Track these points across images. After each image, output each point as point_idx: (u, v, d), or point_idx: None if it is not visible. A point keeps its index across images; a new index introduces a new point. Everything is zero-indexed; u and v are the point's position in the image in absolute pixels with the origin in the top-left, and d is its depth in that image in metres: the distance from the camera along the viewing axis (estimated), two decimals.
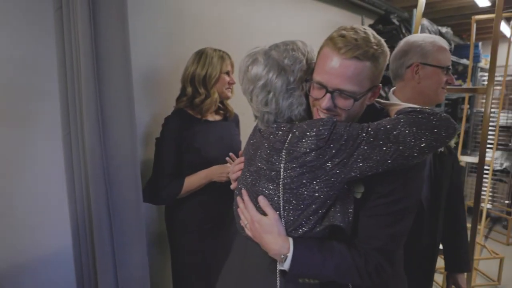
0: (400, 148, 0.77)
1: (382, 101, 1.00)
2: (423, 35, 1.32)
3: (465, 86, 4.26)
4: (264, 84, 0.90)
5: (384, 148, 0.78)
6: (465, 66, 4.24)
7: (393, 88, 1.36)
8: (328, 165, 0.81)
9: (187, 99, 1.57)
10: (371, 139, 0.79)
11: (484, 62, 4.74)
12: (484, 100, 4.66)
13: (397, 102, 0.99)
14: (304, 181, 0.84)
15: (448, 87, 1.32)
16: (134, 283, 1.40)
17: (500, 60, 3.94)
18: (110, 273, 1.36)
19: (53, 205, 1.46)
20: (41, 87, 1.40)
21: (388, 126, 0.79)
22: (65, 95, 1.42)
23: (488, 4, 3.55)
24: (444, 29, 3.59)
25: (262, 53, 0.93)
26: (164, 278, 1.93)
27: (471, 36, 3.69)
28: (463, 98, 4.28)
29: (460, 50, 4.29)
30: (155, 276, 1.85)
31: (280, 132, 0.90)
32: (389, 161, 0.78)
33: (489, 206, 4.06)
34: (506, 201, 4.14)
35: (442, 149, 1.34)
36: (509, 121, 4.28)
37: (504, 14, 3.64)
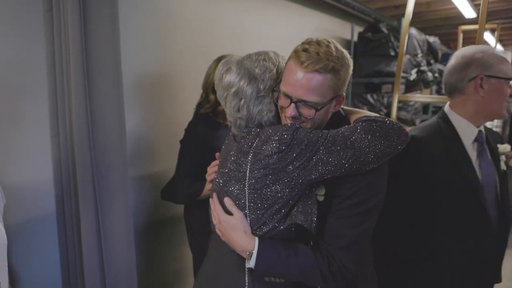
0: (356, 153, 0.83)
1: (346, 108, 1.04)
2: (480, 46, 1.25)
3: None
4: (236, 91, 0.96)
5: (342, 153, 0.84)
6: None
7: (448, 103, 1.30)
8: (290, 168, 0.86)
9: (210, 106, 1.58)
10: (329, 145, 0.84)
11: None
12: None
13: (359, 110, 1.01)
14: (267, 182, 0.89)
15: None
16: (122, 284, 1.40)
17: None
18: (97, 273, 1.36)
19: (40, 206, 1.45)
20: (30, 88, 1.39)
21: (346, 133, 0.85)
22: (54, 96, 1.42)
23: (474, 15, 3.65)
24: (432, 38, 3.67)
25: (235, 63, 0.98)
26: (153, 279, 1.92)
27: (457, 46, 3.79)
28: None
29: (447, 59, 4.38)
30: (144, 277, 1.84)
31: (250, 136, 0.96)
32: (346, 166, 0.84)
33: None
34: None
35: (505, 168, 1.31)
36: (494, 129, 4.37)
37: (489, 25, 3.75)
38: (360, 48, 3.31)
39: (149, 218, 1.87)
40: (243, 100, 0.96)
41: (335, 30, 3.24)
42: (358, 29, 3.40)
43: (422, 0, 3.45)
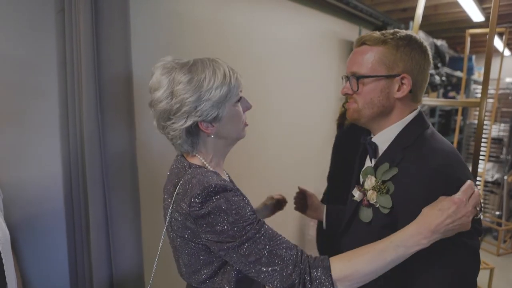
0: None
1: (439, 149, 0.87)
2: None
3: (458, 98, 4.33)
4: None
5: (247, 268, 0.80)
6: (459, 78, 4.31)
7: None
8: (203, 236, 0.82)
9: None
10: (244, 253, 0.78)
11: (477, 75, 4.83)
12: (477, 112, 4.75)
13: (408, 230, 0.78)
14: (186, 235, 0.86)
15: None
16: (130, 285, 1.41)
17: (493, 74, 4.06)
18: (106, 274, 1.36)
19: (48, 206, 1.44)
20: (41, 87, 1.40)
21: (263, 260, 0.78)
22: (64, 96, 1.42)
23: (482, 19, 3.63)
24: (439, 42, 3.66)
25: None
26: (161, 281, 1.91)
27: (465, 49, 3.77)
28: (457, 110, 4.34)
29: (454, 63, 4.37)
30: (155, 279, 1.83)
31: (176, 170, 0.93)
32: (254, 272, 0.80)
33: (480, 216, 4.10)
34: (497, 212, 4.19)
35: None
36: (500, 133, 4.35)
37: (497, 29, 3.73)
38: None
39: (158, 220, 1.87)
40: None
41: (343, 33, 3.23)
42: (366, 32, 3.40)
43: (430, 3, 3.44)
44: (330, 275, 0.75)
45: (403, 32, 0.91)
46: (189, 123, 0.85)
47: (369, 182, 0.90)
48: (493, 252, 3.64)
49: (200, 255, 0.87)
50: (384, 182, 0.87)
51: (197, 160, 0.92)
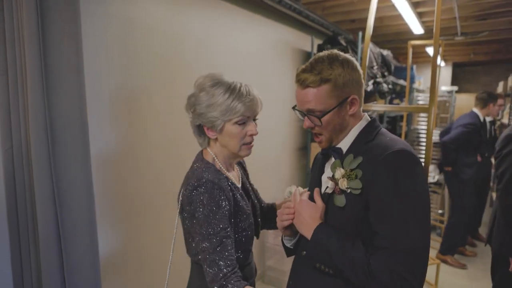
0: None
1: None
2: None
3: (402, 105, 4.61)
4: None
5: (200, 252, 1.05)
6: (402, 87, 4.59)
7: None
8: (184, 215, 1.10)
9: None
10: (201, 246, 1.02)
11: (418, 83, 5.19)
12: (419, 119, 5.11)
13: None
14: (185, 214, 1.09)
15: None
16: None
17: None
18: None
19: None
20: None
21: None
22: (6, 106, 1.29)
23: (421, 31, 3.92)
24: (385, 52, 3.88)
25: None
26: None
27: (407, 59, 4.04)
28: (402, 116, 4.62)
29: (396, 72, 4.66)
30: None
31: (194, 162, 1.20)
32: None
33: None
34: (439, 211, 4.51)
35: None
36: (436, 137, 4.69)
37: (430, 41, 4.04)
38: None
39: (114, 238, 1.76)
40: None
41: (296, 42, 3.31)
42: (318, 41, 3.51)
43: (376, 15, 3.65)
44: None
45: (329, 57, 0.99)
46: (196, 123, 1.13)
47: (339, 172, 0.99)
48: (437, 248, 3.89)
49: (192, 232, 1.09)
50: (352, 170, 0.97)
51: (209, 156, 1.16)
